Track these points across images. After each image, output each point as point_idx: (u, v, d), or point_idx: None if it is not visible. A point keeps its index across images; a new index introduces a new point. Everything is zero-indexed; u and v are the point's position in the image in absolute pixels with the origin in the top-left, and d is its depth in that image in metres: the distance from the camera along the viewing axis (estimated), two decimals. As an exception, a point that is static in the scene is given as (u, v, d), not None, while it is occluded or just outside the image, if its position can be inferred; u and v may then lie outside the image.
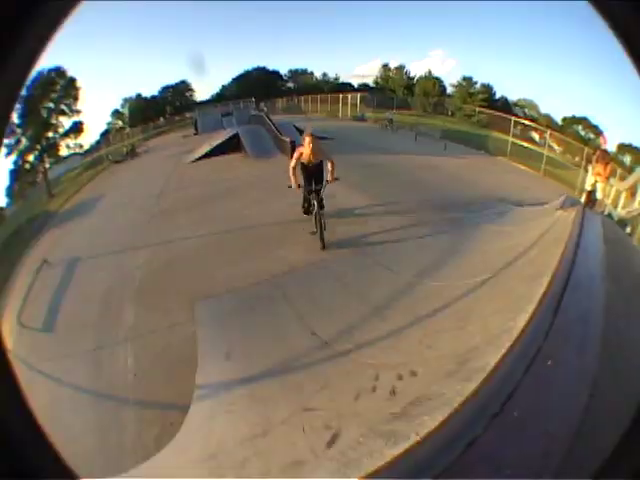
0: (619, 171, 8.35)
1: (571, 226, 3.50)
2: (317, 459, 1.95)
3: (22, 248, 6.53)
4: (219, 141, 11.38)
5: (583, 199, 6.99)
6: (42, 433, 0.77)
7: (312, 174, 5.55)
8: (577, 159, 12.93)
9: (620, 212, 6.50)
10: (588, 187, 7.21)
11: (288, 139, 9.63)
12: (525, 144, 18.25)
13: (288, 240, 4.86)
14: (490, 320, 2.63)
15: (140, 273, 4.66)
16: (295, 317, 3.66)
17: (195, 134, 20.75)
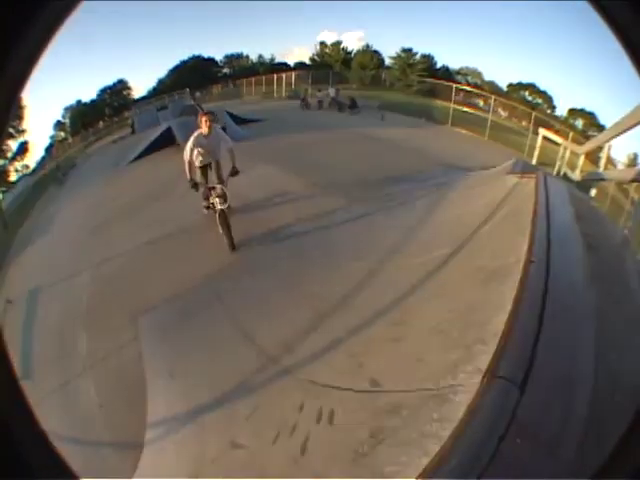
0: (571, 134, 8.55)
1: (535, 187, 3.32)
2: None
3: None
4: (153, 138, 11.06)
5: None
6: (42, 433, 0.77)
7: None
8: (524, 123, 12.66)
9: (577, 175, 6.43)
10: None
11: (219, 126, 9.73)
12: (468, 110, 17.35)
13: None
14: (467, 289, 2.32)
15: (85, 297, 4.51)
16: (231, 323, 3.36)
17: (132, 133, 19.52)
